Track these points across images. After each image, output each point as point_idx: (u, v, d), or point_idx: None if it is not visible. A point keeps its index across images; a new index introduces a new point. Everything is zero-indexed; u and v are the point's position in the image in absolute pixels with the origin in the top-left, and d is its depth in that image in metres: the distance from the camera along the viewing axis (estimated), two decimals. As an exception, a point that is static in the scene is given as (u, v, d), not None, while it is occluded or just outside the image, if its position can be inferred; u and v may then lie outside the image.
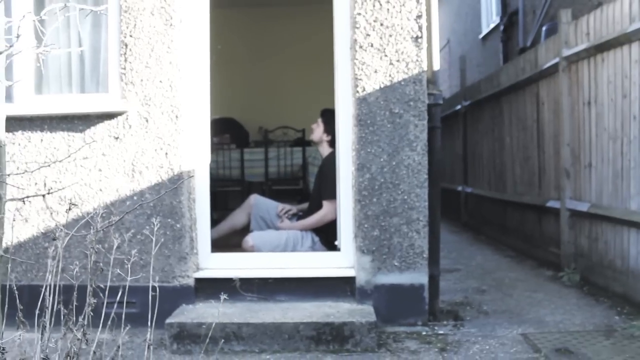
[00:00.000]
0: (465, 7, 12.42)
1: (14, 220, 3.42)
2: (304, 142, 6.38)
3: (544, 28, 6.86)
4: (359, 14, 3.48)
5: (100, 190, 3.58)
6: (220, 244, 3.98)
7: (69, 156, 3.44)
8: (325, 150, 4.26)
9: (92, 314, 1.84)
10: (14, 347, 1.84)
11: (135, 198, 3.56)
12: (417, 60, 3.47)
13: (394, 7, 3.47)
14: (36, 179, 3.58)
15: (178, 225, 3.54)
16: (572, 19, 4.69)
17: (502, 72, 6.49)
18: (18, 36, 1.90)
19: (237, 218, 4.50)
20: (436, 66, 3.73)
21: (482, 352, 3.03)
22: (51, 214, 3.56)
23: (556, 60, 4.82)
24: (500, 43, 9.51)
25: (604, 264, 4.16)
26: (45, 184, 3.53)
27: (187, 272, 3.54)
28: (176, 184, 3.48)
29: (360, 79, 3.48)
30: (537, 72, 5.25)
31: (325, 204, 4.05)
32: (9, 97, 3.55)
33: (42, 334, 1.82)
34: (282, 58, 7.21)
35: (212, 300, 3.53)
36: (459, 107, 8.09)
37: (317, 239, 4.10)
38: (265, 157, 6.13)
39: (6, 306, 1.93)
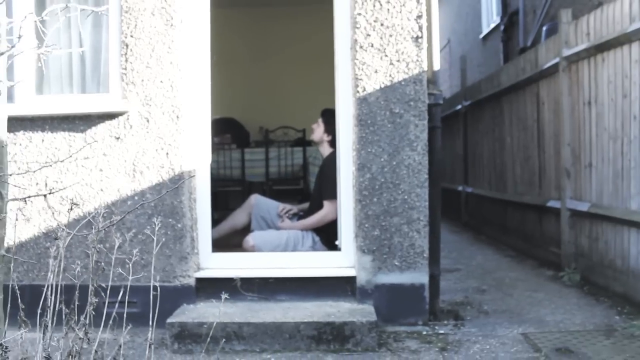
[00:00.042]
0: (466, 7, 12.43)
1: (16, 220, 3.43)
2: (304, 142, 6.39)
3: (544, 28, 6.86)
4: (359, 14, 3.48)
5: (102, 190, 3.59)
6: (221, 244, 3.99)
7: (70, 156, 3.45)
8: (325, 150, 4.26)
9: (93, 313, 1.85)
10: (16, 346, 1.84)
11: (136, 198, 3.56)
12: (418, 60, 3.48)
13: (394, 7, 3.47)
14: (37, 179, 3.59)
15: (179, 225, 3.54)
16: (572, 19, 4.70)
17: (503, 72, 6.49)
18: (20, 37, 1.90)
19: (237, 218, 4.50)
20: (436, 66, 3.74)
21: (483, 352, 3.03)
22: (53, 213, 3.56)
23: (556, 60, 4.83)
24: (501, 43, 9.51)
25: (605, 264, 4.17)
26: (46, 184, 3.54)
27: (188, 271, 3.55)
28: (177, 183, 3.48)
29: (361, 79, 3.49)
30: (538, 72, 5.25)
31: (326, 204, 4.05)
32: (10, 98, 3.56)
33: (43, 333, 1.83)
34: (282, 58, 7.21)
35: (213, 299, 3.53)
36: (459, 107, 8.09)
37: (317, 238, 4.11)
38: (266, 157, 6.13)
39: (8, 305, 1.94)
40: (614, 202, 4.01)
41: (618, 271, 3.97)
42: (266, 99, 7.24)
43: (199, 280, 3.57)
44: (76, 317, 1.85)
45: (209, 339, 2.92)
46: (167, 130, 3.56)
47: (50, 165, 3.46)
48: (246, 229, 4.38)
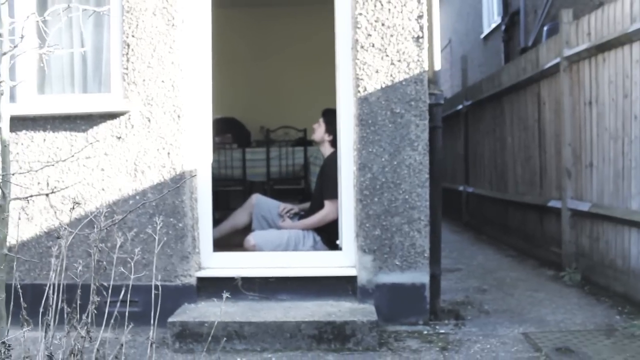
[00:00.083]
0: (467, 7, 12.43)
1: (18, 219, 3.44)
2: (305, 141, 6.39)
3: (545, 28, 6.86)
4: (360, 14, 3.49)
5: (103, 189, 3.59)
6: (222, 244, 3.99)
7: (72, 156, 3.46)
8: (326, 150, 4.27)
9: (95, 312, 1.86)
10: (18, 345, 1.85)
11: (137, 197, 3.57)
12: (419, 60, 3.48)
13: (395, 7, 3.48)
14: (39, 178, 3.60)
15: (180, 225, 3.55)
16: (573, 19, 4.70)
17: (504, 72, 6.49)
18: (22, 37, 1.91)
19: (238, 217, 4.51)
20: (437, 66, 3.75)
21: (483, 351, 3.04)
22: (54, 213, 3.57)
23: (557, 60, 4.83)
24: (502, 43, 9.51)
25: (605, 264, 4.17)
26: (48, 184, 3.55)
27: (189, 271, 3.56)
28: (178, 183, 3.49)
29: (362, 79, 3.50)
30: (539, 72, 5.25)
31: (327, 204, 4.06)
32: (12, 97, 3.56)
33: (46, 332, 1.83)
34: (283, 58, 7.22)
35: (214, 299, 3.53)
36: (460, 106, 8.09)
37: (318, 238, 4.11)
38: (266, 156, 6.14)
39: (11, 304, 1.95)
40: (615, 202, 4.02)
41: (619, 271, 3.97)
42: (267, 99, 7.24)
43: (200, 279, 3.58)
44: (78, 316, 1.86)
45: (210, 338, 2.93)
46: (169, 130, 3.57)
47: (52, 165, 3.47)
48: (247, 229, 4.39)
